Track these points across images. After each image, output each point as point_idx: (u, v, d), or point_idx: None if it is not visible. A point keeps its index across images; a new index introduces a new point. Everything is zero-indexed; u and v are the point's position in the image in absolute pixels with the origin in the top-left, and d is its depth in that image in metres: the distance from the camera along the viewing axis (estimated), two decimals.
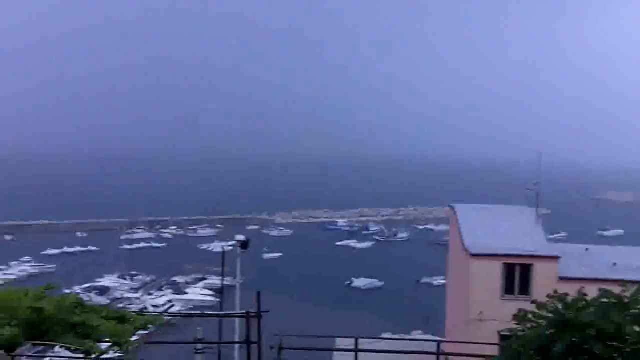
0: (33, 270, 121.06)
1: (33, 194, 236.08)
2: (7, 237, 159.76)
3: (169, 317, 30.05)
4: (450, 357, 29.23)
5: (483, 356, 22.81)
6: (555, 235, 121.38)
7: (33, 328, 13.72)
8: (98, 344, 14.01)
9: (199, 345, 24.38)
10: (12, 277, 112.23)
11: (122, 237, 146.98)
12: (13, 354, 17.44)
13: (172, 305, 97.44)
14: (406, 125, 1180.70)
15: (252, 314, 20.15)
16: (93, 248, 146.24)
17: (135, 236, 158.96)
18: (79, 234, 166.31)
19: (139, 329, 16.06)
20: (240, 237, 37.84)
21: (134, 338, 14.84)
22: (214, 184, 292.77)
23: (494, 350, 24.26)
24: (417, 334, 59.57)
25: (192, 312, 56.94)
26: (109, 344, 14.27)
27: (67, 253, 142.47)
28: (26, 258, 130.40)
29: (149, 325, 16.86)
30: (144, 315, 17.00)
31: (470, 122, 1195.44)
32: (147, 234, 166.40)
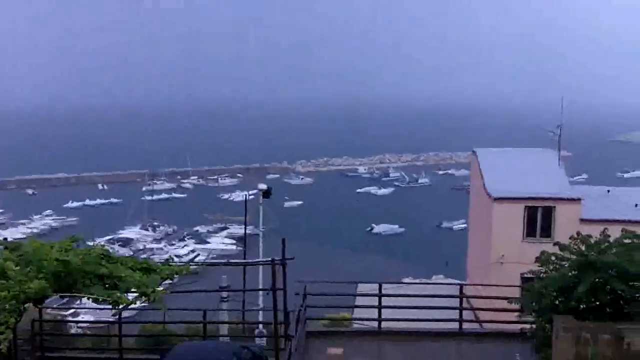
0: (55, 224, 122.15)
1: (53, 148, 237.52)
2: (29, 191, 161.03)
3: (195, 267, 30.42)
4: (472, 300, 29.40)
5: (505, 298, 22.96)
6: (576, 178, 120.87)
7: (60, 280, 13.88)
8: (125, 294, 14.17)
9: (225, 294, 24.69)
10: (35, 230, 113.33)
11: (143, 188, 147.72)
12: (41, 306, 17.73)
13: (197, 255, 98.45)
14: (424, 70, 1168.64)
15: (277, 262, 20.29)
16: (115, 200, 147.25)
17: (156, 187, 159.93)
18: (100, 186, 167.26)
19: (166, 279, 16.24)
20: (262, 186, 38.01)
21: (160, 288, 15.01)
22: (233, 134, 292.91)
23: (516, 293, 24.38)
24: (438, 279, 60.02)
25: (216, 261, 57.44)
26: (136, 294, 14.43)
27: (89, 206, 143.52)
28: (48, 212, 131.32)
29: (176, 275, 17.06)
30: (170, 265, 17.16)
31: (490, 64, 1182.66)
32: (168, 185, 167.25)
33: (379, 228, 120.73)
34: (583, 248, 19.64)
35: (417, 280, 53.98)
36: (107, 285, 14.15)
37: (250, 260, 29.74)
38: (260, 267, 29.49)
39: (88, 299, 14.47)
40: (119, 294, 13.75)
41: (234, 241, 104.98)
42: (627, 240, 19.70)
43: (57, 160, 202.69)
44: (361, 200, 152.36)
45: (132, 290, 14.36)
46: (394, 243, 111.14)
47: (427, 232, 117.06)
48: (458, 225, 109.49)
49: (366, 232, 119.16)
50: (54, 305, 31.57)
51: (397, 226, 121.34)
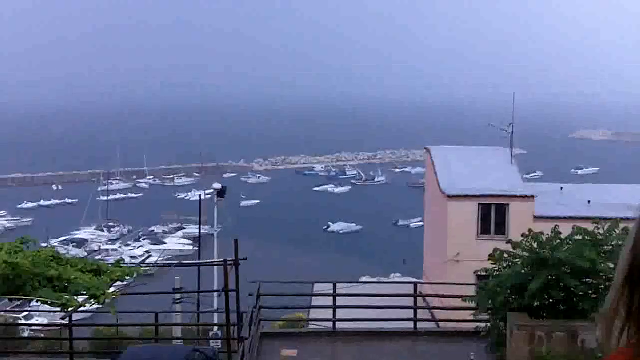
0: (9, 225, 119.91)
1: (6, 147, 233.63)
2: None
3: (147, 268, 29.98)
4: (427, 298, 29.52)
5: (459, 297, 23.07)
6: (530, 175, 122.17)
7: (9, 282, 13.58)
8: (75, 297, 13.93)
9: (177, 295, 24.45)
10: None
11: (98, 188, 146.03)
12: None
13: (150, 256, 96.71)
14: (381, 67, 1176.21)
15: (230, 262, 20.14)
16: (69, 200, 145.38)
17: (111, 187, 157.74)
18: (54, 186, 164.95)
19: (116, 280, 16.00)
20: (217, 186, 37.83)
21: (111, 290, 14.78)
22: (189, 133, 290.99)
23: (470, 290, 24.52)
24: (395, 277, 60.23)
25: (170, 262, 56.86)
26: (86, 296, 14.18)
27: (44, 206, 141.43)
28: (1, 212, 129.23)
29: (127, 277, 16.81)
30: (121, 266, 16.92)
31: (448, 62, 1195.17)
32: (123, 185, 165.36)
33: (335, 226, 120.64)
34: (535, 245, 19.82)
35: (373, 279, 54.20)
36: (56, 287, 13.88)
37: (201, 261, 29.52)
38: (215, 267, 29.27)
39: (37, 301, 14.20)
40: (67, 297, 13.51)
41: (190, 241, 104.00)
42: (578, 237, 19.93)
43: (12, 159, 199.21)
44: (318, 198, 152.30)
45: (82, 292, 14.12)
46: (351, 241, 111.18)
47: (384, 230, 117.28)
48: (415, 222, 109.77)
49: (323, 231, 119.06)
50: (7, 308, 31.04)
51: (354, 224, 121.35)
